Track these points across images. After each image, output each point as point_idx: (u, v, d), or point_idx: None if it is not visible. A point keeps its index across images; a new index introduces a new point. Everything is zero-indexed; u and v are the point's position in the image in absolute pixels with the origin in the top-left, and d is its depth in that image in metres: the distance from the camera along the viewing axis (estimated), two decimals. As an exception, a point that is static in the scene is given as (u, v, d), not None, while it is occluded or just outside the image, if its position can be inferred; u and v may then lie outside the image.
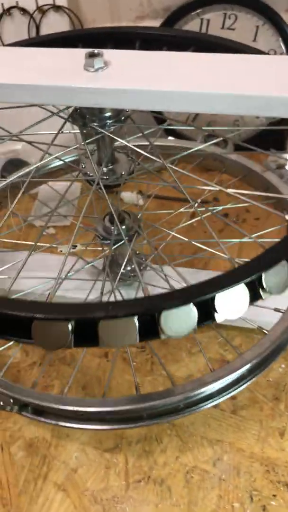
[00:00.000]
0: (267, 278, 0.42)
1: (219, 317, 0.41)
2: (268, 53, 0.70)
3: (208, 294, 0.40)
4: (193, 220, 0.73)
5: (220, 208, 0.71)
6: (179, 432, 0.62)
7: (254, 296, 0.42)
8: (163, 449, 0.61)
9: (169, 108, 0.48)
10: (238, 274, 0.41)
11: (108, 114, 0.51)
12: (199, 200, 0.74)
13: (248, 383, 0.52)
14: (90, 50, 0.48)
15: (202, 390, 0.49)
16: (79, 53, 0.48)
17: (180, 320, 0.40)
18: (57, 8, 0.91)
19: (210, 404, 0.51)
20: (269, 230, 0.72)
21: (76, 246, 0.65)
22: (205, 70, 0.48)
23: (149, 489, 0.58)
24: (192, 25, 0.93)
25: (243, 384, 0.52)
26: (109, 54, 0.48)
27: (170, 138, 0.87)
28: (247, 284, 0.41)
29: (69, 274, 0.64)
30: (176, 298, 0.40)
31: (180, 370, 0.68)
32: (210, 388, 0.50)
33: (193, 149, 0.69)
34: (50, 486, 0.59)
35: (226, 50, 0.54)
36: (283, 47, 0.92)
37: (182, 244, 0.83)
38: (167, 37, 0.67)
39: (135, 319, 0.39)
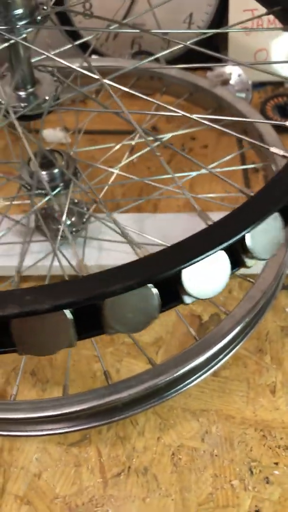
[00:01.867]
0: (252, 239, 0.31)
1: (188, 299, 0.30)
2: None
3: (172, 269, 0.29)
4: (137, 155, 0.61)
5: (169, 136, 0.59)
6: (156, 409, 0.52)
7: (235, 264, 0.31)
8: (141, 432, 0.51)
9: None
10: (212, 238, 0.30)
11: (18, 11, 0.36)
12: (140, 130, 0.61)
13: (238, 346, 0.42)
14: None
15: (189, 367, 0.39)
16: None
17: (136, 308, 0.29)
18: None
19: (196, 381, 0.41)
20: (227, 158, 0.61)
21: (-3, 202, 0.51)
22: None
23: (131, 482, 0.48)
24: None
25: (232, 348, 0.42)
26: None
27: (94, 56, 0.72)
28: (226, 250, 0.30)
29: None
30: (125, 279, 0.29)
31: (145, 334, 0.57)
32: (196, 363, 0.40)
33: (128, 68, 0.55)
34: (11, 500, 0.48)
35: None
36: None
37: (125, 186, 0.70)
38: None
39: (69, 313, 0.27)
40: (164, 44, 0.87)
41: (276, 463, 0.49)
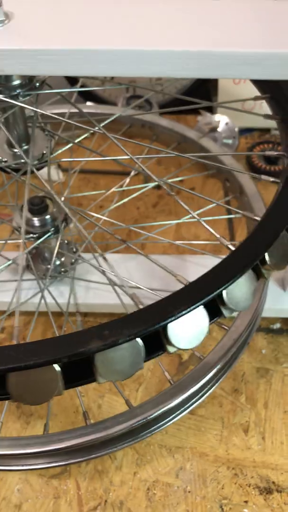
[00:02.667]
0: (228, 295, 0.34)
1: (172, 349, 0.34)
2: None
3: (157, 324, 0.32)
4: (126, 200, 0.64)
5: (153, 184, 0.62)
6: (134, 444, 0.55)
7: (214, 315, 0.35)
8: (118, 466, 0.53)
9: (95, 72, 0.38)
10: (193, 295, 0.34)
11: (17, 82, 0.40)
12: (132, 173, 0.65)
13: (212, 389, 0.45)
14: (-16, -2, 0.36)
15: (164, 409, 0.42)
16: None
17: (122, 362, 0.32)
18: None
19: (172, 421, 0.44)
20: (211, 206, 0.65)
21: (-9, 243, 0.54)
22: (143, 17, 0.38)
23: (107, 516, 0.50)
24: None
25: (207, 391, 0.45)
26: (9, 2, 0.37)
27: (89, 103, 0.76)
28: (205, 305, 0.34)
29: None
30: (117, 333, 0.32)
31: (127, 371, 0.60)
32: (171, 404, 0.43)
33: (116, 115, 0.59)
34: (-9, 530, 0.50)
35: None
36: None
37: (114, 225, 0.74)
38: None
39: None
40: (157, 88, 0.92)
41: (246, 501, 0.51)
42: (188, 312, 0.34)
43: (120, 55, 0.36)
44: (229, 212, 0.72)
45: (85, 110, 0.71)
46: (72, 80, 0.84)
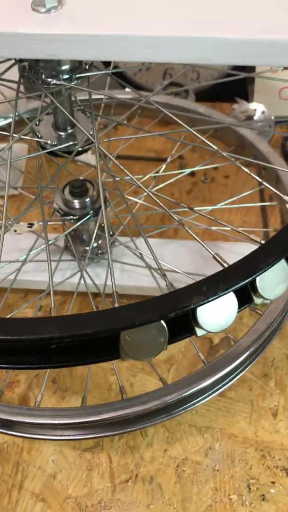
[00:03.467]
0: (261, 282, 0.35)
1: (200, 332, 0.35)
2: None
3: (189, 307, 0.34)
4: (162, 185, 0.65)
5: (189, 170, 0.63)
6: (165, 423, 0.56)
7: (245, 302, 0.36)
8: (149, 443, 0.55)
9: (145, 58, 0.39)
10: (226, 281, 0.35)
11: (67, 66, 0.42)
12: (168, 160, 0.66)
13: (244, 372, 0.47)
14: (39, -16, 0.38)
15: (196, 387, 0.43)
16: (24, -11, 0.38)
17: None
18: None
19: (203, 401, 0.46)
20: (245, 194, 0.66)
21: (32, 224, 0.56)
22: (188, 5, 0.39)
23: (138, 489, 0.52)
24: None
25: (238, 373, 0.46)
26: (63, -11, 0.38)
27: (127, 89, 0.77)
28: (236, 292, 0.35)
29: (29, 255, 0.56)
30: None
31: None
32: (204, 384, 0.44)
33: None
34: (27, 496, 0.52)
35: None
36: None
37: (148, 210, 0.75)
38: None
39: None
40: (194, 76, 0.92)
41: (273, 482, 0.52)
42: (218, 297, 0.35)
43: (165, 42, 0.37)
44: (262, 199, 0.72)
45: (125, 96, 0.73)
46: (107, 64, 0.86)
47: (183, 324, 0.35)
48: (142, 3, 0.39)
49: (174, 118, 0.47)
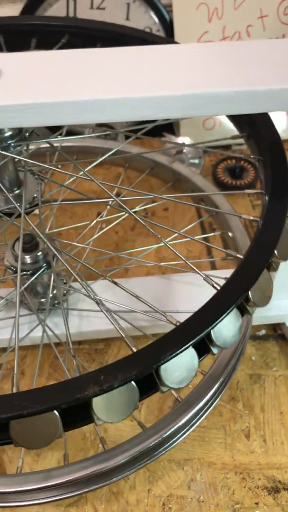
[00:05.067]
0: (215, 334, 0.37)
1: (165, 389, 0.36)
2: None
3: (152, 365, 0.35)
4: (107, 228, 0.67)
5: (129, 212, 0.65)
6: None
7: (203, 352, 0.38)
8: (132, 485, 0.55)
9: (82, 120, 0.40)
10: (184, 337, 0.36)
11: (8, 133, 0.42)
12: (110, 201, 0.67)
13: (217, 401, 0.48)
14: (-26, 60, 0.38)
15: (176, 426, 0.44)
16: None
17: (118, 404, 0.34)
18: None
19: (183, 436, 0.47)
20: (187, 228, 0.68)
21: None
22: (119, 68, 0.41)
23: (128, 535, 0.52)
24: (58, 7, 0.84)
25: (212, 403, 0.48)
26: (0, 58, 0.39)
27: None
28: (194, 346, 0.36)
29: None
30: (107, 380, 0.34)
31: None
32: (182, 421, 0.45)
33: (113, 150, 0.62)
34: None
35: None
36: (158, 23, 0.87)
37: (96, 252, 0.76)
38: (36, 27, 0.59)
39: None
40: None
41: (257, 503, 0.54)
42: (179, 353, 0.36)
43: (102, 104, 0.39)
44: (204, 231, 0.75)
45: (64, 144, 0.74)
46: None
47: (147, 383, 0.36)
48: (79, 71, 0.41)
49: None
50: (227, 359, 0.48)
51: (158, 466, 0.57)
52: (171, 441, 0.46)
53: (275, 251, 0.40)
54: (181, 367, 0.35)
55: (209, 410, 0.48)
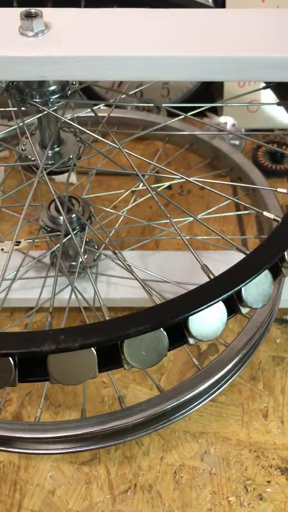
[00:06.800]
0: (247, 292, 0.37)
1: (192, 341, 0.36)
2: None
3: (180, 316, 0.35)
4: (142, 199, 0.67)
5: (167, 184, 0.65)
6: (159, 431, 0.57)
7: (232, 311, 0.38)
8: (146, 452, 0.56)
9: (128, 77, 0.40)
10: (213, 291, 0.36)
11: (51, 88, 0.43)
12: (146, 176, 0.67)
13: (236, 374, 0.48)
14: (26, 9, 0.39)
15: (193, 393, 0.45)
16: (12, 13, 0.40)
17: (149, 347, 0.35)
18: None
19: (200, 405, 0.47)
20: (222, 204, 0.68)
21: (19, 242, 0.56)
22: (165, 28, 0.41)
23: (137, 498, 0.53)
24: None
25: (231, 376, 0.48)
26: (49, 13, 0.40)
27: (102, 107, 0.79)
28: (224, 301, 0.37)
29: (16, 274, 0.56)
30: (143, 323, 0.35)
31: (149, 363, 0.63)
32: (200, 389, 0.45)
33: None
34: (27, 515, 0.52)
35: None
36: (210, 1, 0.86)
37: (129, 223, 0.77)
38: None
39: (93, 350, 0.33)
40: (164, 92, 0.95)
41: (269, 481, 0.54)
42: (209, 306, 0.36)
43: (149, 61, 0.39)
44: (238, 209, 0.75)
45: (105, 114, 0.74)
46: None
47: (176, 335, 0.37)
48: (121, 29, 0.41)
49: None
50: (252, 332, 0.48)
51: (173, 436, 0.57)
52: (186, 408, 0.46)
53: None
54: (210, 320, 0.36)
55: (227, 383, 0.48)
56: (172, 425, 0.57)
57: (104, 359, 0.36)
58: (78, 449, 0.45)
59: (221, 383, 0.47)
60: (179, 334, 0.37)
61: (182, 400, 0.45)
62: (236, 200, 0.51)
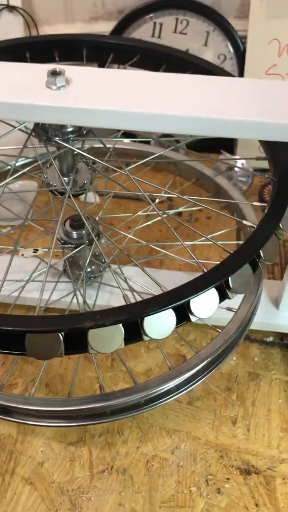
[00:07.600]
0: (233, 280, 0.47)
1: (194, 318, 0.46)
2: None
3: (184, 298, 0.45)
4: (150, 222, 0.77)
5: (177, 210, 0.75)
6: (139, 424, 0.66)
7: (223, 296, 0.47)
8: (125, 440, 0.65)
9: (131, 128, 0.50)
10: (210, 279, 0.46)
11: (70, 129, 0.54)
12: (156, 201, 0.77)
13: (203, 378, 0.57)
14: (52, 67, 0.50)
15: (162, 387, 0.53)
16: (40, 70, 0.50)
17: (162, 323, 0.44)
18: (11, 8, 0.91)
19: (169, 400, 0.55)
20: (223, 231, 0.77)
21: (37, 250, 0.67)
22: (166, 90, 0.51)
23: (112, 478, 0.61)
24: (145, 28, 0.96)
25: (199, 379, 0.56)
26: (70, 71, 0.51)
27: (125, 140, 0.90)
28: (217, 288, 0.46)
29: (32, 276, 0.66)
30: (157, 304, 0.45)
31: (139, 366, 0.72)
32: (169, 385, 0.54)
33: (150, 157, 0.72)
34: (18, 480, 0.62)
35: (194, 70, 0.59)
36: (232, 52, 0.96)
37: (138, 243, 0.86)
38: (113, 45, 0.70)
39: (121, 326, 0.43)
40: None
41: (228, 479, 0.61)
42: (207, 291, 0.47)
43: (147, 117, 0.49)
44: (238, 237, 0.83)
45: (124, 146, 0.85)
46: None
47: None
48: (128, 89, 0.51)
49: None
50: (219, 344, 0.56)
51: (150, 430, 0.65)
52: (158, 401, 0.55)
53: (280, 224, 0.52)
54: (206, 303, 0.47)
55: (196, 384, 0.56)
56: (150, 421, 0.66)
57: (128, 333, 0.46)
58: (61, 425, 0.54)
59: (189, 384, 0.56)
60: (183, 314, 0.47)
61: (152, 391, 0.53)
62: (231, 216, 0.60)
